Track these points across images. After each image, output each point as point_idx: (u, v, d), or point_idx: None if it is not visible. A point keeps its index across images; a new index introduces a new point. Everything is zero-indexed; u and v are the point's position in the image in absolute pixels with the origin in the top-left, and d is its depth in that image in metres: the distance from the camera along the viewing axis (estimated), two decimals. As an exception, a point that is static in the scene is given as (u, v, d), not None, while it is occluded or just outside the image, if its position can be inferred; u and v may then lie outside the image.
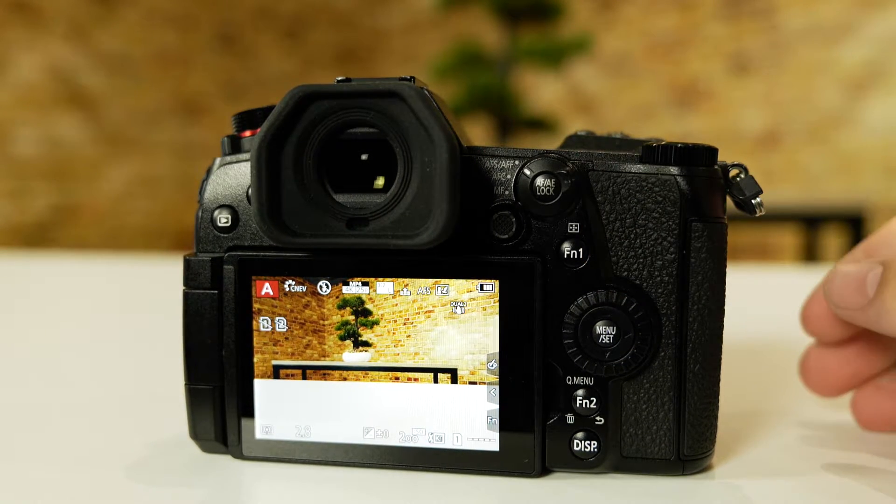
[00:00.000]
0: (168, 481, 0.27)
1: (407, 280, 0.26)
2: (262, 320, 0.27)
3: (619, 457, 0.26)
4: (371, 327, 0.27)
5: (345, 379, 0.27)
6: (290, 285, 0.27)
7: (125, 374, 0.45)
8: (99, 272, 1.02)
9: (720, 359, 0.26)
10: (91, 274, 0.99)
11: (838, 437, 0.31)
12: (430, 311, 0.26)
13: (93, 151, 3.12)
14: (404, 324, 0.26)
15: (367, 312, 0.26)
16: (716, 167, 0.26)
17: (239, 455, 0.28)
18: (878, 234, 0.28)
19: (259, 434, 0.28)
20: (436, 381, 0.26)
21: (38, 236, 2.97)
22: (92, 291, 0.85)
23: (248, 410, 0.27)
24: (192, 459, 0.28)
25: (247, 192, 0.27)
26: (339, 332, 0.27)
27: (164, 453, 0.29)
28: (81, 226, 3.09)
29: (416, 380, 0.26)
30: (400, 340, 0.26)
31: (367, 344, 0.27)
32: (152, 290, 0.81)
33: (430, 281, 0.26)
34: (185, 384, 0.28)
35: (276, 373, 0.27)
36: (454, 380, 0.26)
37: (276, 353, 0.27)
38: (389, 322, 0.26)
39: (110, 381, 0.43)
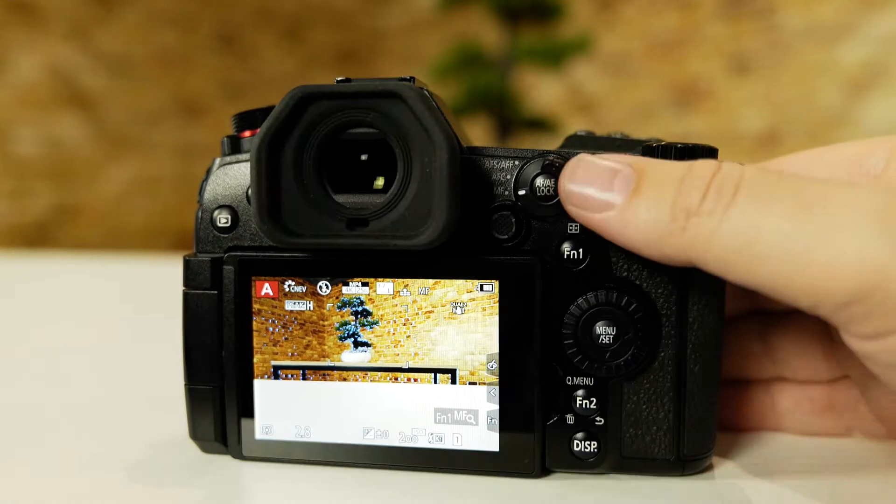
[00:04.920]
0: (168, 481, 0.27)
1: (407, 280, 0.26)
2: (262, 320, 0.27)
3: (619, 457, 0.26)
4: (371, 327, 0.26)
5: (345, 379, 0.27)
6: (290, 286, 0.27)
7: (125, 375, 0.45)
8: (99, 272, 1.02)
9: (720, 359, 0.26)
10: (91, 274, 0.99)
11: (838, 437, 0.31)
12: (430, 312, 0.26)
13: (93, 151, 3.11)
14: (404, 324, 0.26)
15: (367, 313, 0.26)
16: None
17: (239, 455, 0.28)
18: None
19: (259, 434, 0.28)
20: (435, 381, 0.26)
21: (38, 236, 2.97)
22: (92, 291, 0.85)
23: (247, 411, 0.27)
24: (192, 460, 0.28)
25: (247, 193, 0.27)
26: (338, 332, 0.27)
27: (164, 454, 0.29)
28: (81, 226, 3.09)
29: (415, 380, 0.26)
30: (400, 341, 0.26)
31: (366, 344, 0.27)
32: (152, 290, 0.81)
33: (430, 281, 0.26)
34: (185, 384, 0.28)
35: (276, 373, 0.27)
36: (454, 380, 0.26)
37: (276, 353, 0.27)
38: (389, 322, 0.26)
39: (110, 381, 0.43)
